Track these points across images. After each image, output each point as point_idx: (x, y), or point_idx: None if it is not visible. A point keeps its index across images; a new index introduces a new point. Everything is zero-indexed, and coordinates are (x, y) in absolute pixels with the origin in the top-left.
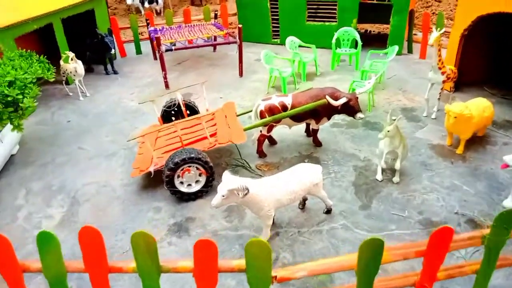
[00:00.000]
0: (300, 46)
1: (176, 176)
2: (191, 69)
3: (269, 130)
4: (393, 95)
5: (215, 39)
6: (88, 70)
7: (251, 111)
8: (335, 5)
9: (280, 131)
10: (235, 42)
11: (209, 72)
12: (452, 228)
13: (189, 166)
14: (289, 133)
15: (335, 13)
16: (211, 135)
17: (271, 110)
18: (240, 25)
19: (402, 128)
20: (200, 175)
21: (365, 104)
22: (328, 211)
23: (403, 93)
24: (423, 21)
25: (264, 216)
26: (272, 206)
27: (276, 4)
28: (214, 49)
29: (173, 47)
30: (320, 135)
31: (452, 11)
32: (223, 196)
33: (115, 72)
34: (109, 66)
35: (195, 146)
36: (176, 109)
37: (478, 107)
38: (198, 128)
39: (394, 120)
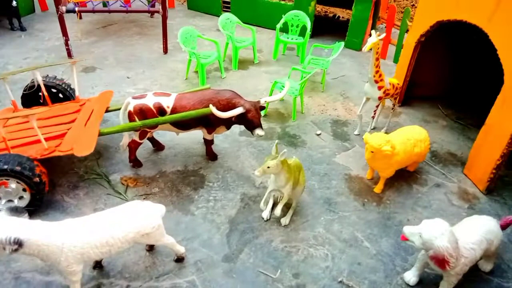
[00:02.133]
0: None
1: None
2: (114, 36)
3: (142, 137)
4: (331, 101)
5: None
6: None
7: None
8: None
9: (173, 134)
10: (158, 12)
11: (132, 42)
12: None
13: (6, 179)
14: (183, 136)
15: None
16: (58, 136)
17: (143, 113)
18: None
19: (316, 151)
20: (24, 190)
21: (290, 110)
22: (179, 260)
23: (343, 100)
24: (388, 16)
25: (64, 272)
26: (73, 261)
27: None
28: (152, 14)
29: (76, 9)
30: (222, 144)
31: None
32: None
33: (22, 29)
34: (15, 21)
35: (28, 150)
36: (42, 92)
37: (407, 141)
38: (54, 122)
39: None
